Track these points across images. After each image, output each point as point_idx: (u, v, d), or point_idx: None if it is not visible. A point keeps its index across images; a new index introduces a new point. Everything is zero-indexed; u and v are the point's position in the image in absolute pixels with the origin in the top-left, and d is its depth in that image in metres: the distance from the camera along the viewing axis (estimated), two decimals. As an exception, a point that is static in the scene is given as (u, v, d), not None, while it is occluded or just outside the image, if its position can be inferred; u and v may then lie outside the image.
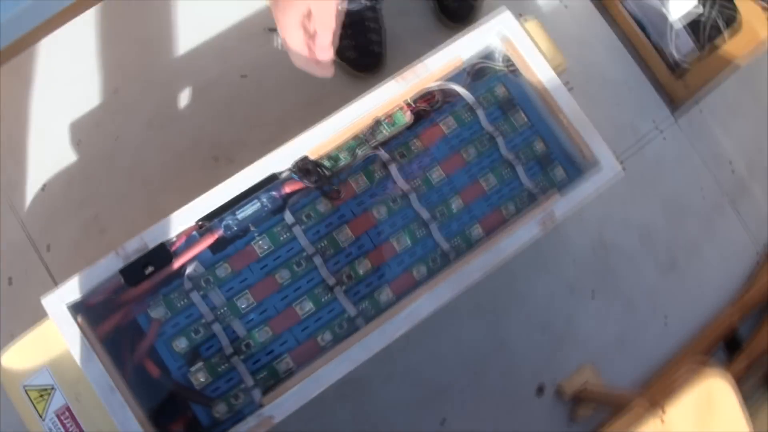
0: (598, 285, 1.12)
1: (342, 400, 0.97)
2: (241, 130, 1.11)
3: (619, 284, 1.14)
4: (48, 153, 1.09)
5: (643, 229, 1.17)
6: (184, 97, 1.13)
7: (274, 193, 0.73)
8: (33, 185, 1.08)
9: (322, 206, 0.74)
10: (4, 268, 1.03)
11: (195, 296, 0.71)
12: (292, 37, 0.63)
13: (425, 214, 0.75)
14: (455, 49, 0.78)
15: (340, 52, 1.10)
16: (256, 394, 0.69)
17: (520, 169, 0.79)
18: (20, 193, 1.07)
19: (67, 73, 1.12)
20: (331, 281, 0.72)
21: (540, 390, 1.07)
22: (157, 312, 0.70)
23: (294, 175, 0.73)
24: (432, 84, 0.78)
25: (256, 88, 1.13)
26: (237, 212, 0.72)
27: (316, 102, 1.12)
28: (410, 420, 1.01)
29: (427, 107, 0.78)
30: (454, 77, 0.80)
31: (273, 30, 0.61)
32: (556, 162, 0.81)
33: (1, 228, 1.04)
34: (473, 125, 0.80)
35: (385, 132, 0.76)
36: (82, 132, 1.10)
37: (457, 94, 0.80)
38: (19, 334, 0.70)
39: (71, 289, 0.67)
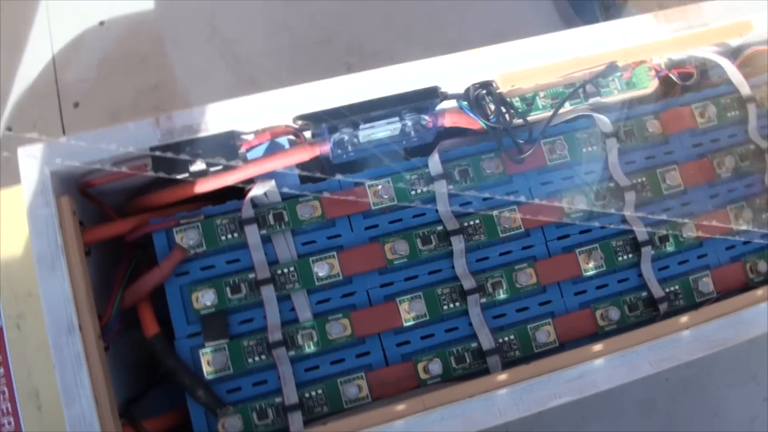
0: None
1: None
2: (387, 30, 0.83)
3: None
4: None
5: None
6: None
7: (426, 118, 0.45)
8: (88, 17, 0.78)
9: (490, 165, 0.46)
10: (7, 112, 0.74)
11: (252, 233, 0.43)
12: None
13: (640, 232, 0.47)
14: (748, 6, 0.51)
15: None
16: (296, 420, 0.41)
17: (786, 217, 0.51)
18: (69, 23, 0.77)
19: None
20: (468, 283, 0.44)
21: None
22: (187, 237, 0.42)
23: (464, 107, 0.46)
24: (704, 49, 0.51)
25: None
26: (361, 128, 0.44)
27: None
28: None
29: (678, 80, 0.51)
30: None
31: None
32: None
33: (27, 51, 0.76)
34: (736, 129, 0.52)
35: (616, 90, 0.49)
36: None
37: (721, 81, 0.52)
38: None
39: (67, 150, 0.40)
